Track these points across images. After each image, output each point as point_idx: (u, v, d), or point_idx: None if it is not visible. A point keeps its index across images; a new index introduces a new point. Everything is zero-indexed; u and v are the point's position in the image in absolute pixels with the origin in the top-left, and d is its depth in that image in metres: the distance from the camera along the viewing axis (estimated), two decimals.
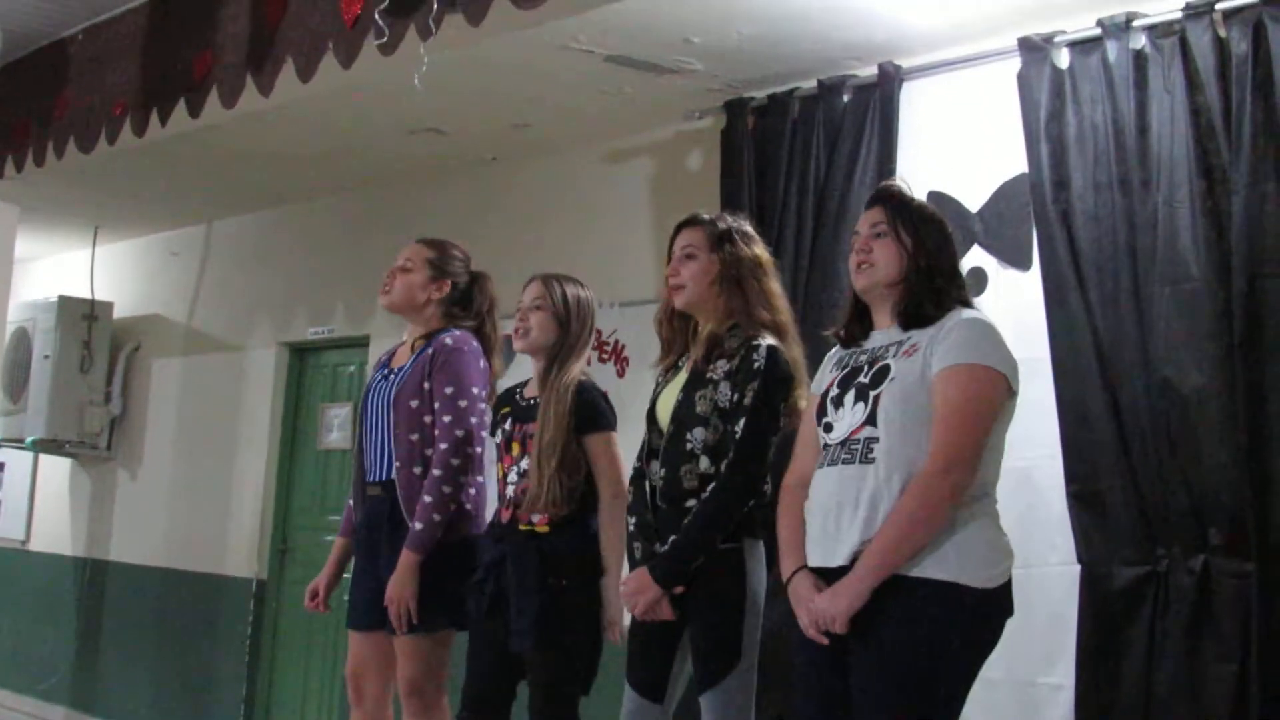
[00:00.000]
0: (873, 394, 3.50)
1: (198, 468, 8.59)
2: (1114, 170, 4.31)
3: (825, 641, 3.45)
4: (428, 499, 4.60)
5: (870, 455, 3.46)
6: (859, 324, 3.73)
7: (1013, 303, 4.60)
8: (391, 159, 6.94)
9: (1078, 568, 4.30)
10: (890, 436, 3.44)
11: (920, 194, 4.77)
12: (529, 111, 6.01)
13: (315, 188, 7.73)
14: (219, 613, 8.20)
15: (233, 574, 8.13)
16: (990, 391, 3.45)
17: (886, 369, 3.52)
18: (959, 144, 4.88)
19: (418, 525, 4.59)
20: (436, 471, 4.62)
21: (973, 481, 3.42)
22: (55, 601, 9.61)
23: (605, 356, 6.01)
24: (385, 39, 4.99)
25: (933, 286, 3.57)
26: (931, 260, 3.59)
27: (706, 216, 4.21)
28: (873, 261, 3.62)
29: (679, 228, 4.23)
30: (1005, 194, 4.71)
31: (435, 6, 4.75)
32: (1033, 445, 4.44)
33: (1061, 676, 4.33)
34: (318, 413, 7.92)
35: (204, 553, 8.37)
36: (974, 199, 4.78)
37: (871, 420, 3.48)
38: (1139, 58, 4.29)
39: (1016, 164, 4.61)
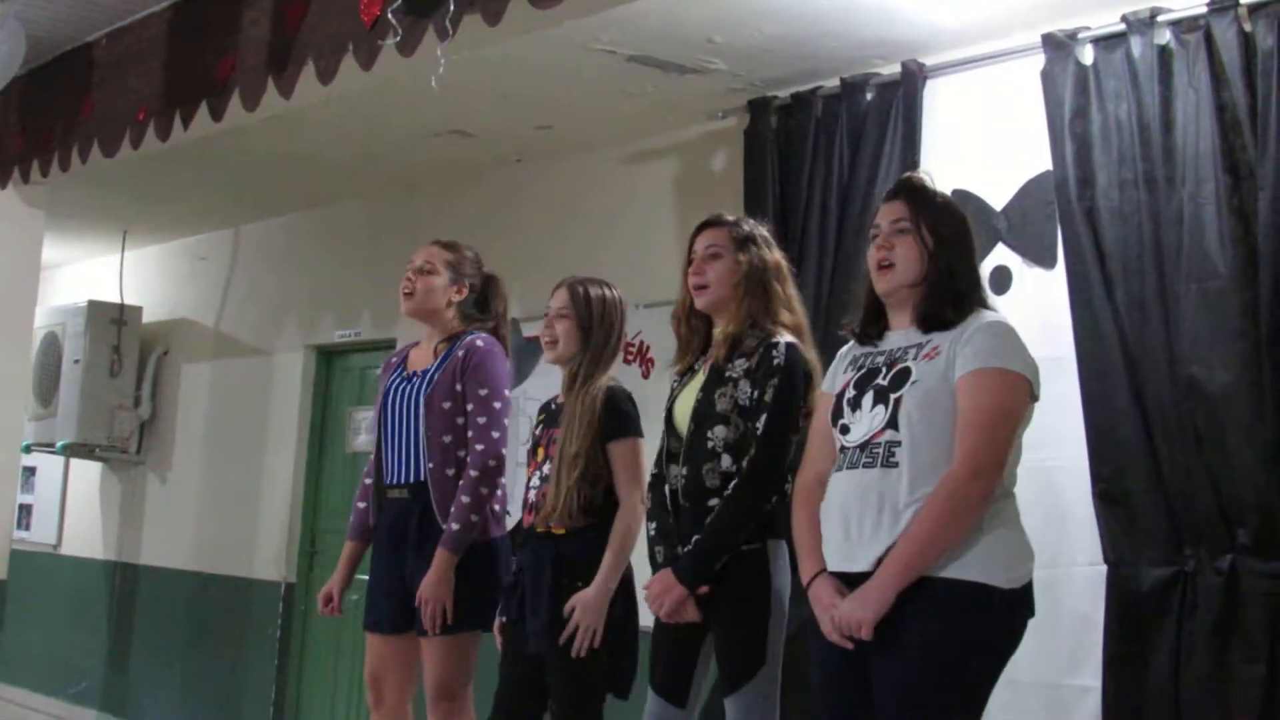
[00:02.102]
0: (893, 397, 3.47)
1: (227, 471, 8.62)
2: (1139, 167, 4.27)
3: (850, 646, 3.42)
4: (465, 499, 4.60)
5: (893, 459, 3.43)
6: (875, 322, 3.69)
7: (1037, 301, 4.57)
8: (416, 162, 6.95)
9: (1104, 568, 4.26)
10: (914, 441, 3.41)
11: (944, 187, 4.79)
12: (552, 113, 6.00)
13: (341, 191, 7.74)
14: (248, 616, 8.22)
15: (261, 577, 8.15)
16: (1015, 396, 3.44)
17: (907, 371, 3.48)
18: (983, 141, 4.85)
19: (455, 526, 4.59)
20: (474, 473, 4.62)
21: (999, 484, 3.40)
22: (86, 605, 9.65)
23: (630, 358, 5.99)
24: (403, 39, 4.97)
25: (954, 288, 3.53)
26: (953, 260, 3.55)
27: (730, 218, 4.21)
28: (894, 261, 3.57)
29: (700, 228, 4.22)
30: (1029, 191, 4.67)
31: (452, 7, 4.74)
32: (1058, 445, 4.41)
33: (1088, 678, 4.30)
34: (345, 415, 7.92)
35: (233, 556, 8.39)
36: (998, 197, 4.75)
37: (893, 424, 3.45)
38: (1164, 53, 4.25)
39: (1041, 161, 4.57)
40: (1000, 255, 4.72)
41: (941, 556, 3.34)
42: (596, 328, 4.50)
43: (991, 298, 3.69)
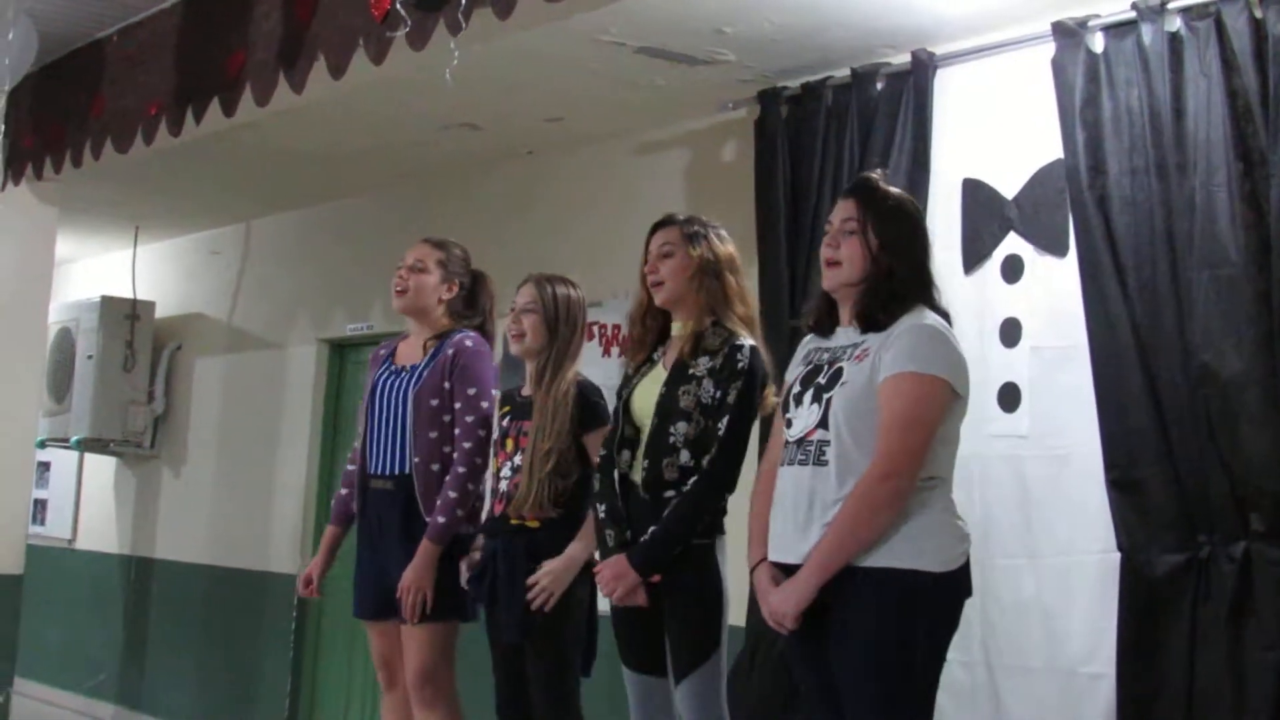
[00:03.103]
0: (826, 396, 3.61)
1: (240, 465, 8.64)
2: (1150, 155, 4.26)
3: (784, 633, 3.61)
4: (452, 494, 4.74)
5: (823, 458, 3.58)
6: (828, 316, 3.80)
7: (1049, 289, 4.58)
8: (427, 155, 6.95)
9: (1118, 556, 4.27)
10: (841, 441, 3.55)
11: (954, 181, 4.80)
12: (563, 105, 6.01)
13: (353, 185, 7.75)
14: (263, 608, 8.24)
15: (276, 570, 8.16)
16: (931, 399, 3.53)
17: (840, 372, 3.61)
18: (994, 130, 4.85)
19: (441, 519, 4.73)
20: (461, 469, 4.76)
21: (912, 485, 3.50)
22: (102, 599, 9.68)
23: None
24: (414, 33, 4.98)
25: (890, 290, 3.64)
26: (895, 262, 3.65)
27: (681, 217, 4.37)
28: (839, 260, 3.69)
29: (654, 229, 4.39)
30: (1041, 180, 4.67)
31: (464, 1, 4.75)
32: (1071, 433, 4.43)
33: (1102, 665, 4.30)
34: (357, 409, 7.92)
35: (247, 549, 8.41)
36: (1009, 185, 4.75)
37: (824, 423, 3.59)
38: (1174, 40, 4.24)
39: (1052, 150, 4.57)
40: (1012, 244, 4.72)
41: (858, 552, 3.48)
42: (562, 324, 4.67)
43: (941, 297, 3.75)
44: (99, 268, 10.16)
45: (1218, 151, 4.10)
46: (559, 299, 4.68)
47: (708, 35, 5.07)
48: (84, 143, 7.16)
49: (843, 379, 3.59)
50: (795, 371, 3.80)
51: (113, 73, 7.04)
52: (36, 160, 7.56)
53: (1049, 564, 4.47)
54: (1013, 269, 4.70)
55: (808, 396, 3.66)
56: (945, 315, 3.69)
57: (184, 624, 8.88)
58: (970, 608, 3.66)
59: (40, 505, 10.15)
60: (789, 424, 3.72)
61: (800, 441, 3.64)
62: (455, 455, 4.80)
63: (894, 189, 3.82)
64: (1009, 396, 4.64)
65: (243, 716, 8.29)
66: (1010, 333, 4.65)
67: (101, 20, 7.02)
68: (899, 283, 3.64)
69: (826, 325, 3.80)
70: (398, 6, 4.98)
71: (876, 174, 3.88)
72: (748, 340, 4.17)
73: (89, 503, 10.10)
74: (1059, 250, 4.59)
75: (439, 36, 4.98)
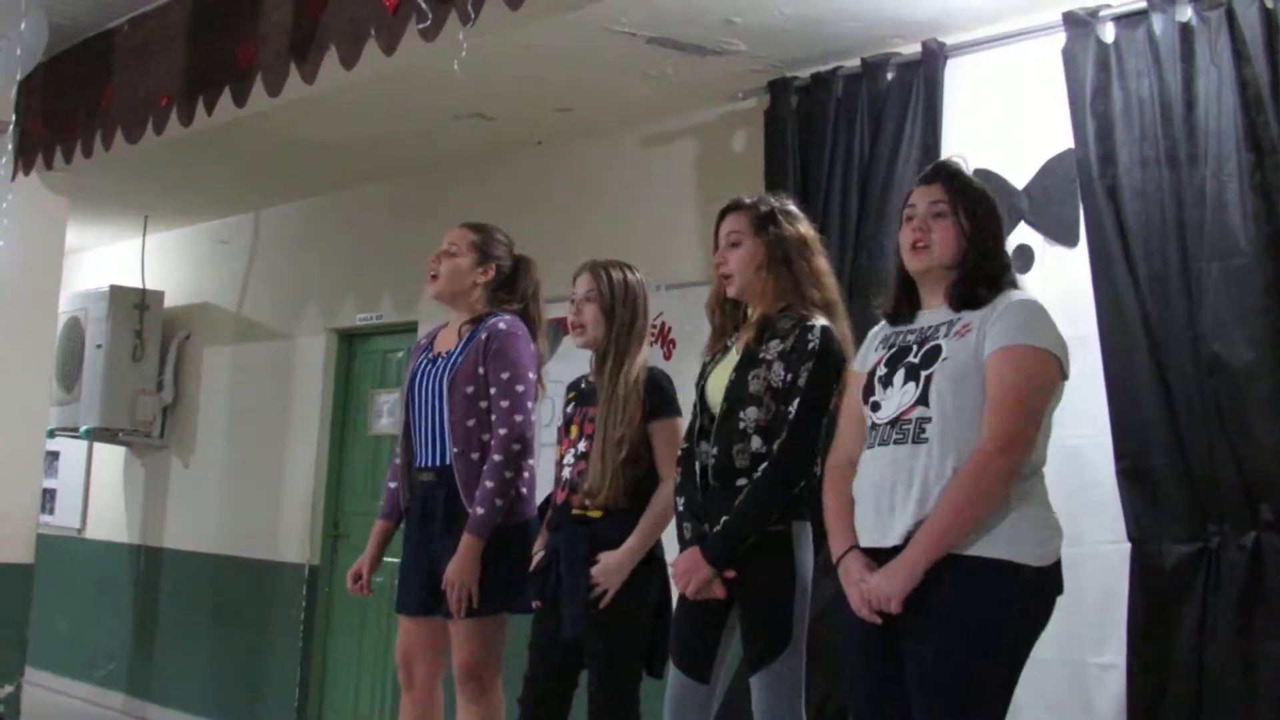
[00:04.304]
0: (924, 374, 3.51)
1: (250, 454, 8.66)
2: (1161, 145, 4.26)
3: (879, 621, 3.46)
4: (489, 484, 4.61)
5: (923, 435, 3.47)
6: (906, 301, 3.72)
7: (1060, 279, 4.57)
8: (437, 145, 6.96)
9: (1128, 545, 4.27)
10: (944, 416, 3.45)
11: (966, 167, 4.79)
12: (573, 95, 6.02)
13: (362, 175, 7.76)
14: (272, 598, 8.26)
15: (285, 560, 8.18)
16: (1044, 373, 3.47)
17: (938, 349, 3.52)
18: (1004, 120, 4.85)
19: (479, 510, 4.61)
20: (497, 457, 4.63)
21: (1026, 462, 3.42)
22: (111, 589, 9.71)
23: (653, 339, 6.01)
24: (427, 24, 4.99)
25: (987, 269, 3.59)
26: (987, 243, 3.61)
27: (749, 200, 4.21)
28: (930, 243, 3.61)
29: (723, 213, 4.23)
30: (1051, 170, 4.67)
31: None
32: (1082, 423, 4.42)
33: (1113, 655, 4.31)
34: (367, 398, 7.95)
35: (257, 539, 8.43)
36: (1020, 175, 4.75)
37: (924, 400, 3.49)
38: (1185, 30, 4.24)
39: (1062, 140, 4.57)
40: (1022, 234, 4.72)
41: (970, 532, 3.37)
42: (621, 309, 4.55)
43: (1019, 279, 3.73)
44: (108, 257, 10.18)
45: (1228, 142, 4.10)
46: (615, 283, 4.56)
47: (718, 25, 5.07)
48: (94, 133, 7.18)
49: (944, 355, 3.50)
50: (874, 357, 3.70)
51: (123, 63, 7.06)
52: (47, 150, 7.58)
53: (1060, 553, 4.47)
54: (1023, 259, 4.69)
55: (898, 377, 3.57)
56: None
57: (193, 613, 8.90)
58: None
59: (49, 495, 10.17)
60: (876, 407, 3.60)
61: (895, 421, 3.53)
62: (492, 442, 4.68)
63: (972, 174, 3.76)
64: None
65: (252, 706, 8.31)
66: None
67: (112, 10, 7.04)
68: (998, 263, 3.60)
69: (906, 312, 3.72)
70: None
71: (956, 158, 3.82)
72: (820, 321, 4.00)
73: (98, 492, 10.12)
74: (1069, 240, 4.59)
75: (450, 27, 4.99)
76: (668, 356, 5.97)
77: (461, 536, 4.61)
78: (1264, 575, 4.00)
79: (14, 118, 7.47)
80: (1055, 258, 4.64)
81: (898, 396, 3.55)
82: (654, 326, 5.97)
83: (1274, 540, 3.99)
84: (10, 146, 7.49)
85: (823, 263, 4.17)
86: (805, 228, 4.17)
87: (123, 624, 9.51)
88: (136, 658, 9.36)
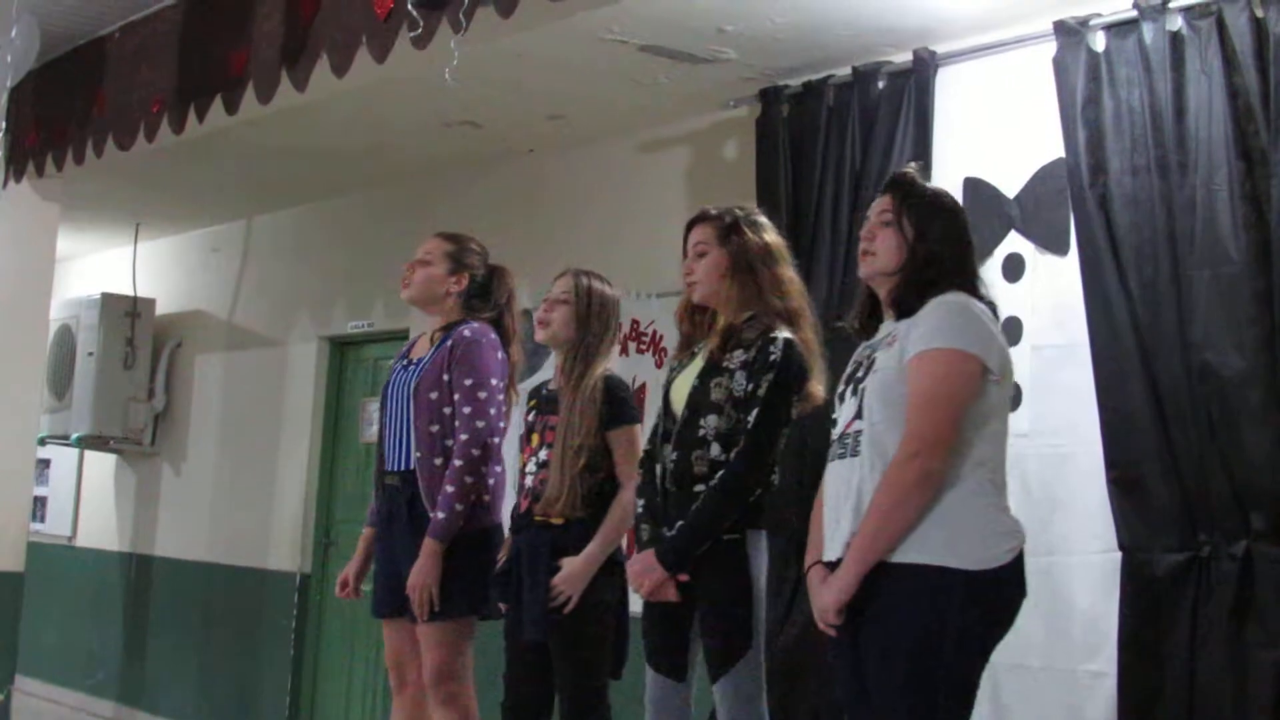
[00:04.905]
0: (861, 387, 3.56)
1: (241, 462, 8.65)
2: (1152, 153, 4.27)
3: (833, 633, 3.51)
4: (450, 489, 4.68)
5: (858, 448, 3.51)
6: (870, 315, 3.76)
7: (1050, 288, 4.59)
8: (428, 153, 6.96)
9: (1119, 554, 4.27)
10: (873, 428, 3.48)
11: (955, 179, 4.80)
12: (564, 103, 6.02)
13: (353, 182, 7.76)
14: (263, 606, 8.25)
15: (276, 568, 8.17)
16: (958, 374, 3.41)
17: (875, 361, 3.56)
18: (995, 129, 4.86)
19: (440, 515, 4.68)
20: (458, 462, 4.70)
21: (944, 467, 3.38)
22: (102, 597, 9.69)
23: (644, 347, 6.02)
24: (418, 32, 4.99)
25: (925, 278, 3.55)
26: (933, 251, 3.57)
27: (714, 211, 4.28)
28: (874, 251, 3.63)
29: (690, 225, 4.31)
30: (1042, 178, 4.68)
31: (466, 0, 4.77)
32: (1072, 431, 4.44)
33: (1103, 664, 4.31)
34: (359, 406, 7.94)
35: (248, 547, 8.42)
36: (1011, 184, 4.76)
37: (860, 413, 3.53)
38: (1175, 39, 4.25)
39: (1053, 148, 4.58)
40: (1013, 242, 4.73)
41: (897, 538, 3.37)
42: (595, 321, 4.64)
43: (986, 288, 3.66)
44: (100, 265, 10.16)
45: (1219, 150, 4.11)
46: (593, 294, 4.66)
47: (709, 33, 5.07)
48: (86, 140, 7.17)
49: (875, 367, 3.53)
50: (844, 375, 3.73)
51: (115, 70, 7.05)
52: (38, 157, 7.56)
53: (1050, 562, 4.47)
54: (1014, 267, 4.70)
55: (848, 393, 3.61)
56: (991, 305, 3.60)
57: (184, 621, 8.88)
58: None
59: (40, 502, 10.15)
60: (834, 423, 3.65)
61: (841, 437, 3.59)
62: (454, 448, 4.74)
63: (931, 184, 3.75)
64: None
65: (243, 714, 8.29)
66: (1011, 331, 4.66)
67: (103, 18, 7.03)
68: (935, 269, 3.56)
69: (871, 325, 3.74)
70: (407, 6, 4.98)
71: (912, 168, 3.81)
72: (784, 333, 4.07)
73: (89, 500, 10.10)
74: (1060, 249, 4.60)
75: (442, 35, 4.99)
76: (659, 364, 5.97)
77: (423, 541, 4.69)
78: (1255, 584, 4.00)
79: (5, 125, 7.45)
80: (1046, 266, 4.64)
81: (846, 411, 3.60)
82: (645, 334, 5.98)
83: (1265, 549, 3.99)
84: (1, 153, 7.48)
85: (787, 271, 4.23)
86: (771, 236, 4.24)
87: (114, 632, 9.49)
88: (127, 665, 9.34)
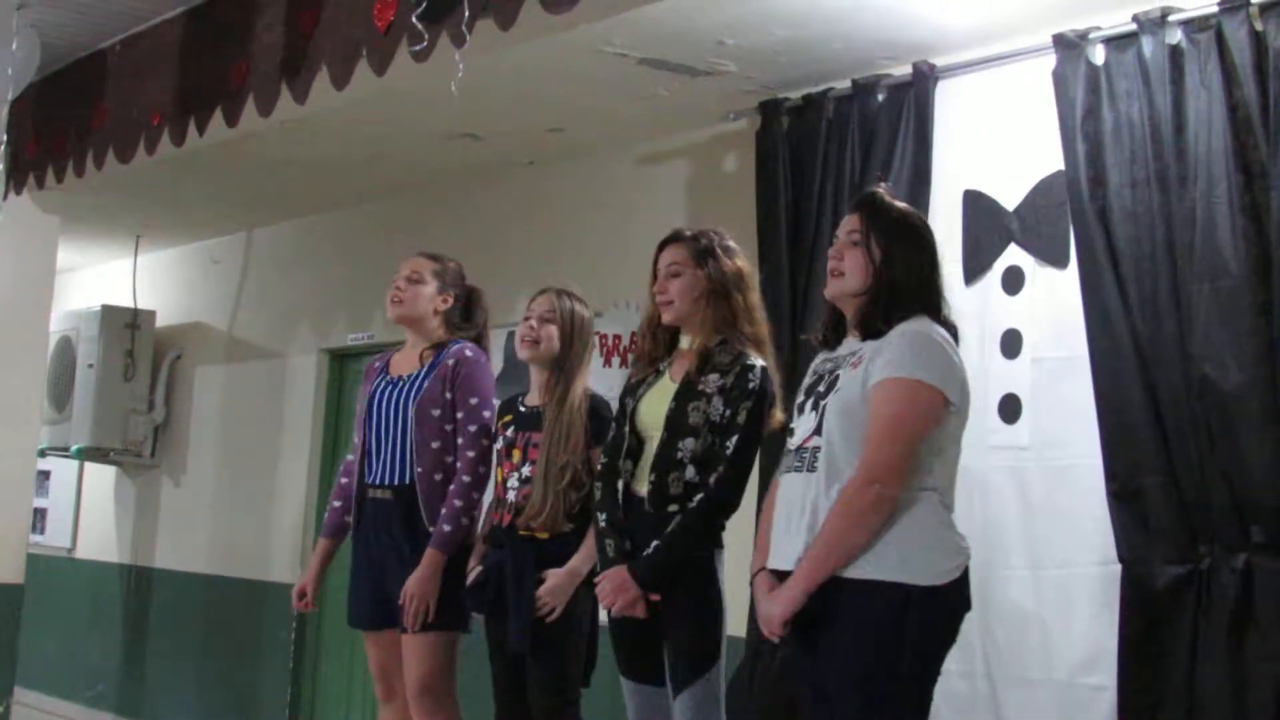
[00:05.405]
0: (823, 403, 3.62)
1: (241, 474, 8.64)
2: (1151, 167, 4.26)
3: (776, 640, 3.62)
4: (458, 503, 4.79)
5: (815, 464, 3.58)
6: (834, 329, 3.83)
7: (1050, 301, 4.58)
8: (428, 165, 6.96)
9: (1119, 567, 4.26)
10: (831, 446, 3.56)
11: (955, 192, 4.81)
12: (564, 115, 6.02)
13: (353, 195, 7.76)
14: (263, 618, 8.24)
15: (276, 580, 8.16)
16: (919, 406, 3.52)
17: (838, 379, 3.62)
18: (995, 142, 4.86)
19: (446, 527, 4.77)
20: (466, 477, 4.82)
21: (898, 493, 3.48)
22: (101, 609, 9.68)
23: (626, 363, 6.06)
24: (420, 46, 5.00)
25: (891, 300, 3.63)
26: (896, 272, 3.65)
27: (689, 233, 4.37)
28: (842, 270, 3.70)
29: (662, 245, 4.39)
30: (1042, 192, 4.67)
31: (467, 13, 4.77)
32: (1072, 444, 4.44)
33: (1103, 677, 4.30)
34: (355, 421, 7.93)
35: (247, 559, 8.42)
36: (1010, 197, 4.75)
37: (819, 429, 3.60)
38: (1175, 53, 4.25)
39: (1053, 161, 4.58)
40: (1013, 255, 4.72)
41: (848, 557, 3.47)
42: (577, 340, 4.76)
43: (951, 311, 3.75)
44: (100, 277, 10.17)
45: (1218, 164, 4.10)
46: (575, 315, 4.77)
47: (709, 46, 5.07)
48: (86, 152, 7.19)
49: (838, 386, 3.60)
50: (803, 385, 3.82)
51: (115, 83, 7.07)
52: (39, 170, 7.58)
53: (1050, 575, 4.47)
54: (1014, 280, 4.70)
55: (808, 405, 3.69)
56: (952, 328, 3.69)
57: (183, 633, 8.88)
58: (970, 619, 3.66)
59: (40, 514, 10.14)
60: (790, 433, 3.76)
61: (798, 449, 3.67)
62: (459, 464, 4.85)
63: (900, 203, 3.84)
64: (1010, 408, 4.65)
65: None
66: (1011, 344, 4.66)
67: (103, 31, 7.05)
68: (900, 292, 3.64)
69: (833, 338, 3.83)
70: (412, 19, 4.99)
71: (882, 188, 3.89)
72: (759, 361, 4.19)
73: (89, 512, 10.10)
74: (1060, 262, 4.60)
75: (442, 48, 5.00)
76: None
77: (425, 552, 4.76)
78: (1255, 596, 3.99)
79: (5, 137, 7.47)
80: (1046, 279, 4.64)
81: (804, 424, 3.68)
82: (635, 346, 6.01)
83: (1265, 561, 3.98)
84: (1, 166, 7.49)
85: (757, 298, 4.35)
86: (742, 262, 4.35)
87: (113, 644, 9.48)
88: (127, 677, 9.33)
